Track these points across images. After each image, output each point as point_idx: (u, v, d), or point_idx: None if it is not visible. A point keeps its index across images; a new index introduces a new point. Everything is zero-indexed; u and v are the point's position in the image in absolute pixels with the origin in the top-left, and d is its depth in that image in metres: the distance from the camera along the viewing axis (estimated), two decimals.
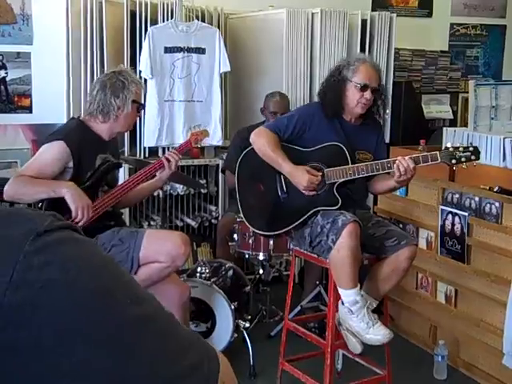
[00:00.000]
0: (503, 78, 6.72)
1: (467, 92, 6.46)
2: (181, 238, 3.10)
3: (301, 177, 3.14)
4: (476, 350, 3.72)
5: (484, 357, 3.66)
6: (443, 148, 3.17)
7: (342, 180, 3.14)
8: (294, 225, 3.17)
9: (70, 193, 2.96)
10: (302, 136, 3.24)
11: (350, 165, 3.14)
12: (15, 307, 0.56)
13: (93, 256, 0.61)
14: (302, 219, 3.15)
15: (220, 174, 4.88)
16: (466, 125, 6.12)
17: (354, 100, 3.18)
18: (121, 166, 3.46)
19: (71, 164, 3.08)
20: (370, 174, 3.11)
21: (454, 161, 3.02)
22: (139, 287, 0.63)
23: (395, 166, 3.00)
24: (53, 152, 3.06)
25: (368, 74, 3.17)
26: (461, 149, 3.02)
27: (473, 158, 3.04)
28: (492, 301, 3.57)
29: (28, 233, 0.58)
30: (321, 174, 3.17)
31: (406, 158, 3.00)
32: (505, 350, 3.40)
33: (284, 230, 3.22)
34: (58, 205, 2.94)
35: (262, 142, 3.23)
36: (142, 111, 3.37)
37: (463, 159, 3.02)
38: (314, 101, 4.91)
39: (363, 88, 3.16)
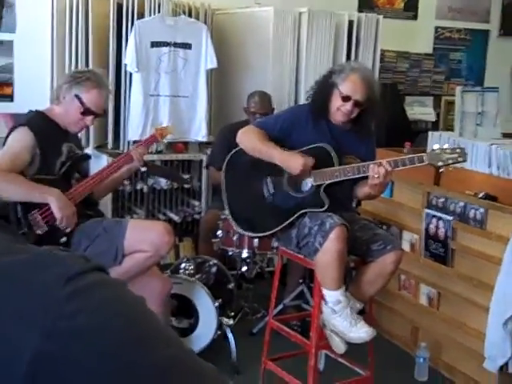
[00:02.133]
0: (485, 83, 6.79)
1: (450, 95, 6.56)
2: (164, 228, 3.12)
3: (295, 161, 3.11)
4: (457, 353, 3.75)
5: (465, 360, 3.69)
6: (429, 150, 3.17)
7: (329, 182, 3.13)
8: (280, 226, 3.16)
9: (56, 202, 2.98)
10: (289, 136, 3.22)
11: (337, 166, 3.13)
12: (47, 357, 0.54)
13: (123, 300, 0.60)
14: (288, 221, 3.14)
15: (204, 170, 4.86)
16: (448, 128, 6.20)
17: (335, 106, 3.17)
18: (90, 158, 3.53)
19: (38, 150, 3.08)
20: (357, 175, 3.09)
21: (440, 163, 3.01)
22: (165, 326, 0.62)
23: (370, 168, 2.99)
24: (20, 140, 3.07)
25: (355, 86, 3.13)
26: (448, 150, 3.02)
27: (460, 159, 3.04)
28: (474, 305, 3.59)
29: (59, 278, 0.57)
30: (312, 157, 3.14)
31: (384, 161, 3.00)
32: (486, 354, 3.42)
33: (271, 232, 3.21)
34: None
35: (250, 138, 3.21)
36: (92, 120, 3.23)
37: (450, 161, 3.02)
38: (299, 99, 4.94)
39: (345, 98, 3.14)
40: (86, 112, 3.18)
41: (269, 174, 3.23)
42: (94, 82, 3.17)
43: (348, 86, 3.14)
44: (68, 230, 3.03)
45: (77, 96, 3.14)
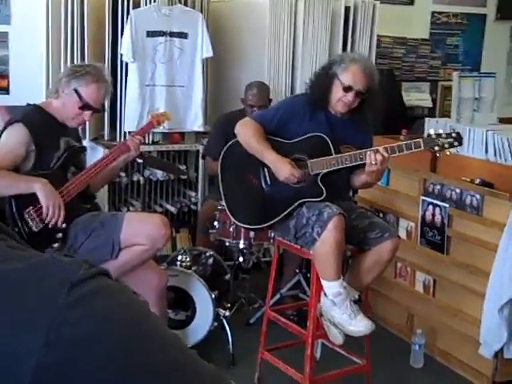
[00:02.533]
0: (482, 68, 6.77)
1: (447, 80, 6.54)
2: (161, 220, 3.13)
3: (283, 167, 3.13)
4: (452, 339, 3.77)
5: (460, 346, 3.72)
6: (425, 135, 3.18)
7: (326, 170, 3.14)
8: (278, 217, 3.16)
9: (42, 190, 2.98)
10: (287, 127, 3.22)
11: (334, 155, 3.13)
12: (52, 365, 0.55)
13: (126, 306, 0.60)
14: (286, 211, 3.14)
15: (200, 160, 4.86)
16: (445, 113, 6.19)
17: (336, 97, 3.18)
18: (85, 150, 3.50)
19: (33, 146, 3.06)
20: (354, 163, 3.10)
21: (437, 147, 3.04)
22: (167, 330, 0.63)
23: (367, 154, 3.00)
24: (14, 136, 3.06)
25: (356, 76, 3.14)
26: (443, 135, 3.04)
27: (456, 144, 3.07)
28: (470, 291, 3.61)
29: (62, 284, 0.57)
30: (303, 171, 3.16)
31: (381, 147, 3.01)
32: (481, 340, 3.45)
33: (268, 224, 3.21)
34: (24, 196, 2.98)
35: (246, 133, 3.22)
36: (90, 115, 3.21)
37: (446, 145, 3.04)
38: (295, 86, 4.93)
39: (347, 89, 3.14)
40: (85, 107, 3.14)
41: (266, 165, 3.23)
42: (93, 76, 3.13)
43: (349, 76, 3.14)
44: (63, 226, 3.02)
45: (75, 90, 3.11)
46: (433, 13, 6.66)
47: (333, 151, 3.15)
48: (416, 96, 6.00)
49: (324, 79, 3.20)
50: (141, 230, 3.07)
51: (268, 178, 3.25)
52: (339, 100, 3.17)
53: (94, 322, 0.56)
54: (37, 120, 3.13)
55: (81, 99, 3.11)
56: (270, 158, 3.17)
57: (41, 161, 3.09)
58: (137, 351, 0.58)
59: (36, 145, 3.06)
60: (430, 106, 6.02)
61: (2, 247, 0.61)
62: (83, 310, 0.56)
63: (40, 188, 2.97)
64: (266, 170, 3.24)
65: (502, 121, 4.25)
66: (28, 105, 3.26)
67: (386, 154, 3.01)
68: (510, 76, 7.09)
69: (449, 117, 4.70)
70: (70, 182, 3.14)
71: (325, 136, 3.16)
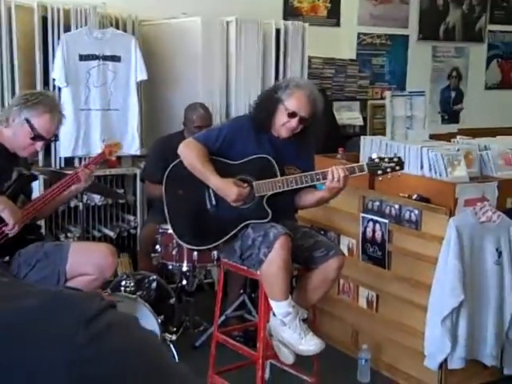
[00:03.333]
0: (407, 86, 6.98)
1: (375, 99, 6.71)
2: (108, 249, 3.08)
3: (229, 190, 3.13)
4: (397, 353, 3.83)
5: (405, 359, 3.78)
6: (367, 159, 3.26)
7: (272, 193, 3.16)
8: (224, 239, 3.15)
9: (7, 209, 2.89)
10: (231, 148, 3.23)
11: (279, 177, 3.15)
12: None
13: (139, 340, 0.60)
14: (232, 233, 3.14)
15: (138, 183, 4.80)
16: (375, 131, 6.34)
17: (280, 122, 3.21)
18: (37, 179, 3.40)
19: None
20: (300, 186, 3.14)
21: (380, 171, 3.11)
22: (177, 362, 0.63)
23: (328, 171, 3.04)
24: None
25: (300, 102, 3.17)
26: (386, 160, 3.12)
27: (397, 168, 3.16)
28: (412, 305, 3.68)
29: (78, 321, 0.56)
30: (248, 186, 3.17)
31: (340, 167, 3.06)
32: (426, 352, 3.53)
33: (214, 245, 3.20)
34: None
35: (190, 155, 3.20)
36: (42, 146, 3.14)
37: (389, 170, 3.12)
38: (230, 109, 4.95)
39: (291, 115, 3.18)
40: (37, 137, 3.03)
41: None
42: (46, 105, 3.03)
43: (294, 102, 3.17)
44: (6, 259, 2.92)
45: (27, 120, 2.99)
46: (359, 34, 6.84)
47: (278, 173, 3.17)
48: (347, 115, 6.12)
49: (268, 103, 3.22)
50: (88, 259, 3.00)
51: (213, 199, 3.23)
52: (283, 125, 3.19)
53: (110, 360, 0.55)
54: None
55: (33, 130, 3.00)
56: (214, 182, 3.16)
57: None
58: None
59: None
60: (361, 124, 6.15)
61: (5, 283, 0.59)
62: (100, 347, 0.55)
63: (4, 209, 2.88)
64: (210, 190, 3.23)
65: (431, 137, 4.38)
66: None
67: (346, 172, 3.05)
68: (434, 94, 7.35)
69: (380, 134, 4.83)
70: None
71: (270, 158, 3.18)
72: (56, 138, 3.29)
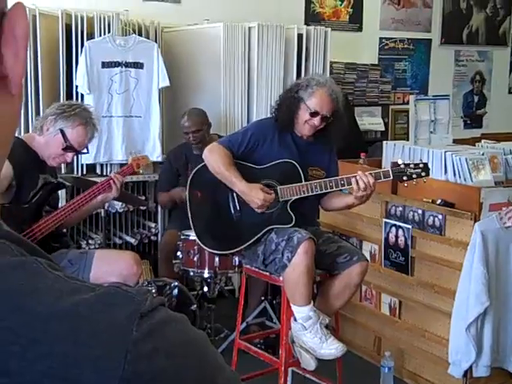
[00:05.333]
0: (429, 91, 6.93)
1: (397, 104, 6.68)
2: (132, 258, 3.06)
3: (255, 195, 3.12)
4: (421, 361, 3.79)
5: (429, 367, 3.73)
6: (392, 164, 3.23)
7: (296, 197, 3.14)
8: (248, 243, 3.14)
9: None
10: (255, 151, 3.22)
11: (304, 182, 3.14)
12: None
13: (192, 338, 0.59)
14: (255, 237, 3.13)
15: None
16: (396, 136, 6.30)
17: (303, 120, 3.21)
18: (65, 187, 3.38)
19: (14, 183, 2.96)
20: (324, 191, 3.13)
21: (405, 177, 3.09)
22: (225, 362, 0.61)
23: (354, 180, 3.02)
24: None
25: (322, 101, 3.18)
26: (411, 165, 3.10)
27: (423, 174, 3.13)
28: (436, 311, 3.64)
29: (132, 315, 0.55)
30: (273, 191, 3.16)
31: (367, 173, 3.04)
32: (450, 360, 3.48)
33: (238, 249, 3.19)
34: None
35: (215, 159, 3.19)
36: (72, 157, 3.16)
37: (414, 176, 3.09)
38: (251, 115, 4.94)
39: (313, 114, 3.18)
40: (68, 148, 3.05)
41: (234, 191, 3.22)
42: (82, 118, 3.04)
43: (315, 101, 3.17)
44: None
45: (61, 130, 3.02)
46: (381, 39, 6.80)
47: (303, 178, 3.16)
48: (369, 120, 6.09)
49: (290, 103, 3.22)
50: (112, 268, 2.99)
51: (237, 204, 3.22)
52: (305, 123, 3.19)
53: (165, 356, 0.55)
54: (19, 155, 3.00)
55: (66, 141, 3.02)
56: (240, 187, 3.15)
57: (18, 197, 2.98)
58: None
59: (17, 182, 2.96)
60: (383, 129, 6.11)
61: (62, 277, 0.58)
62: (155, 343, 0.55)
63: None
64: (234, 195, 3.22)
65: (454, 142, 4.34)
66: (16, 137, 3.14)
67: (372, 180, 3.03)
68: (456, 98, 7.28)
69: (401, 139, 4.80)
70: (43, 219, 3.03)
71: (295, 162, 3.18)
72: (87, 150, 3.29)
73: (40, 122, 3.12)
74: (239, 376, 0.63)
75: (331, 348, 3.04)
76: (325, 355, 3.05)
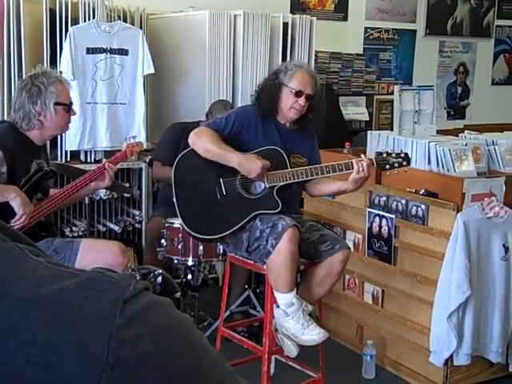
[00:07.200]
0: (413, 81, 6.96)
1: (382, 94, 6.70)
2: (118, 248, 3.03)
3: (253, 163, 3.12)
4: (403, 349, 3.82)
5: (410, 355, 3.77)
6: (375, 153, 3.26)
7: (282, 184, 3.16)
8: (233, 228, 3.14)
9: (18, 199, 2.86)
10: (240, 136, 3.22)
11: (290, 169, 3.16)
12: None
13: (176, 322, 0.59)
14: (241, 223, 3.13)
15: (143, 178, 4.78)
16: (380, 126, 6.32)
17: (288, 104, 3.21)
18: (57, 175, 3.35)
19: (4, 169, 2.94)
20: (309, 178, 3.15)
21: (387, 166, 3.12)
22: (210, 345, 0.62)
23: (354, 162, 3.05)
24: None
25: (304, 80, 3.20)
26: (393, 155, 3.15)
27: (404, 163, 3.17)
28: (418, 300, 3.68)
29: (115, 301, 0.54)
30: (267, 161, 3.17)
31: (361, 158, 3.10)
32: (431, 348, 3.51)
33: (223, 234, 3.19)
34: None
35: (204, 139, 3.18)
36: (74, 112, 3.21)
37: (396, 164, 3.13)
38: (236, 102, 4.94)
39: (298, 94, 3.19)
40: (68, 109, 3.12)
41: (221, 176, 3.22)
42: (53, 80, 3.03)
43: (298, 81, 3.20)
44: (18, 228, 2.84)
45: (55, 104, 3.02)
46: (366, 28, 6.82)
47: (288, 165, 3.18)
48: (353, 110, 6.10)
49: (271, 90, 3.24)
50: (98, 257, 2.95)
51: (223, 189, 3.22)
52: (291, 107, 3.20)
53: (149, 341, 0.54)
54: (11, 141, 2.98)
55: (63, 106, 3.07)
56: (235, 159, 3.14)
57: (10, 183, 2.95)
58: (194, 370, 0.57)
59: (8, 168, 2.93)
60: (367, 119, 6.13)
61: (43, 263, 0.58)
62: (138, 328, 0.54)
63: (15, 198, 2.86)
64: (221, 180, 3.22)
65: (437, 133, 4.37)
66: (3, 121, 3.11)
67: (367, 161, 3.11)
68: (440, 89, 7.32)
69: (385, 129, 4.82)
70: (35, 207, 3.00)
71: (280, 149, 3.19)
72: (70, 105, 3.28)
73: (22, 118, 3.03)
74: (224, 358, 0.63)
75: (313, 334, 3.06)
76: (307, 341, 3.07)
